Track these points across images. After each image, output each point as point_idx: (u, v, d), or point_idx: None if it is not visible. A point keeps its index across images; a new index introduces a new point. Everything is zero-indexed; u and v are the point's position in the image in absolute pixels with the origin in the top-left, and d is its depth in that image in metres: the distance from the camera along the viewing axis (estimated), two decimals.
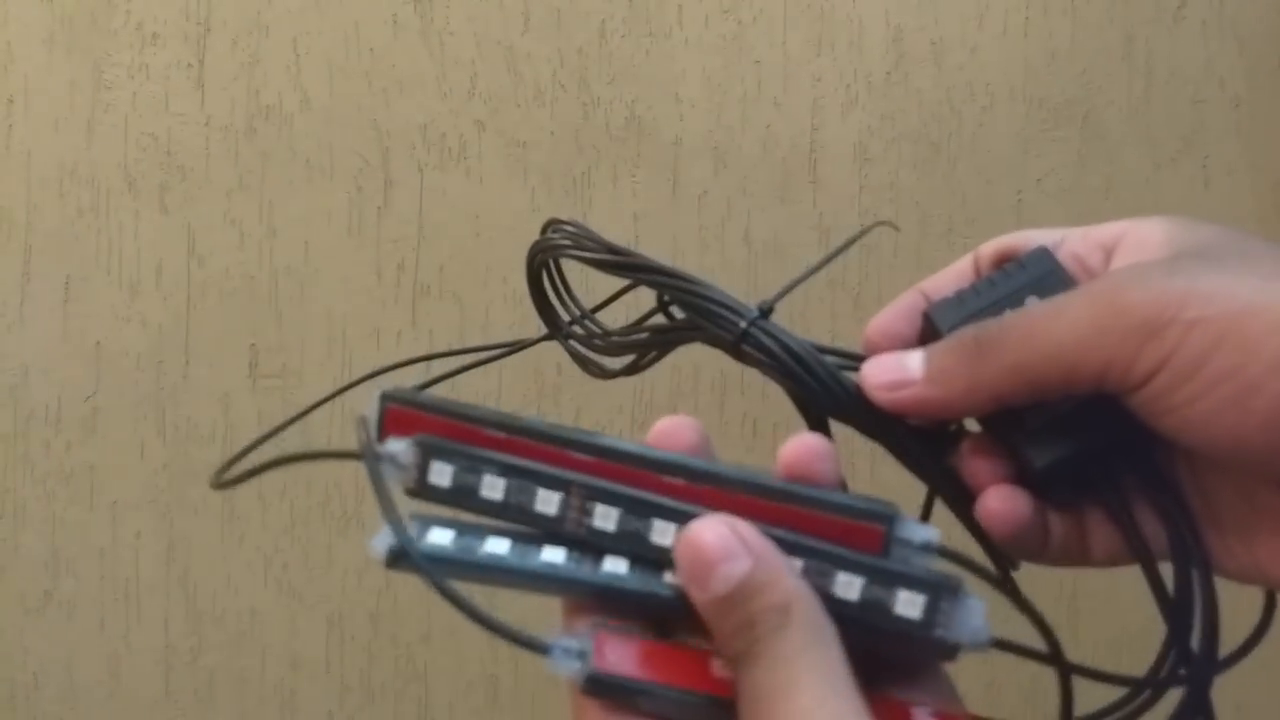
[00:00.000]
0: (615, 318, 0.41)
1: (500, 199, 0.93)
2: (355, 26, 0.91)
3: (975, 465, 0.34)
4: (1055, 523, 0.34)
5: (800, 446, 0.32)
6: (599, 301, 0.45)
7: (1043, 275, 0.34)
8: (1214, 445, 0.30)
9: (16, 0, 0.90)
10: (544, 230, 0.41)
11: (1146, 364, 0.30)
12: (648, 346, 0.40)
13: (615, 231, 0.93)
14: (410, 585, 0.95)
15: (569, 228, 0.40)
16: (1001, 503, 0.33)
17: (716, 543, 0.29)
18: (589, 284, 0.43)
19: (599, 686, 0.29)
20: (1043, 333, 0.31)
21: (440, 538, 0.31)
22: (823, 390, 0.34)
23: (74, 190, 0.91)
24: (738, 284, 0.96)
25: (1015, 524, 0.33)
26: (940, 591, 0.30)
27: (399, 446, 0.31)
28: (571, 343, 0.43)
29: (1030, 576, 0.35)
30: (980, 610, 0.30)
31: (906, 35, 0.95)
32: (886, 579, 0.30)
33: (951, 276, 0.37)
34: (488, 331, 0.93)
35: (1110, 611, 0.94)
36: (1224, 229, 0.33)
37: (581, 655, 0.29)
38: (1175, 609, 0.33)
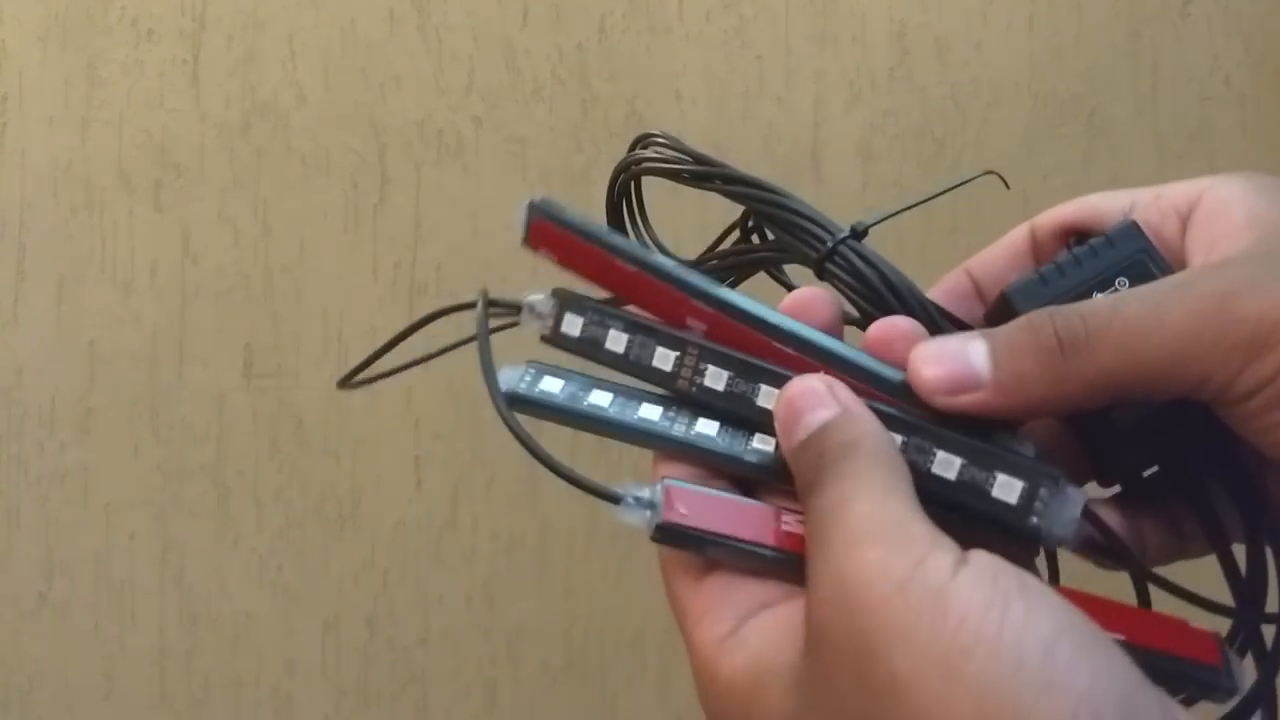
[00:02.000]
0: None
1: (498, 196, 0.92)
2: (351, 22, 0.91)
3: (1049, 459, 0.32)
4: (1149, 525, 0.33)
5: (890, 328, 0.31)
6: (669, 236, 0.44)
7: (1132, 254, 0.32)
8: None
9: None
10: (633, 146, 0.40)
11: (1248, 383, 0.28)
12: (726, 271, 0.39)
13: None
14: (407, 588, 0.95)
15: (660, 139, 0.39)
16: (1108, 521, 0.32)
17: (807, 394, 0.30)
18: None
19: (667, 536, 0.30)
20: (1140, 341, 0.28)
21: (551, 385, 0.34)
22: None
23: (68, 188, 0.90)
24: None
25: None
26: (1040, 479, 0.30)
27: (538, 297, 0.35)
28: None
29: None
30: (1079, 503, 0.30)
31: (910, 31, 0.94)
32: (986, 461, 0.30)
33: (1002, 252, 0.35)
34: None
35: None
36: None
37: (651, 506, 0.31)
38: (1248, 588, 0.32)
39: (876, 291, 0.32)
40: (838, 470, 0.28)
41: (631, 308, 0.34)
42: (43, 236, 0.90)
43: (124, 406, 0.91)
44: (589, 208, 1.00)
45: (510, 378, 0.34)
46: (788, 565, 0.29)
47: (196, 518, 0.92)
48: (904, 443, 0.30)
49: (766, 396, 0.32)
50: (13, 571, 0.91)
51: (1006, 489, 0.30)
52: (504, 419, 0.33)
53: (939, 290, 0.35)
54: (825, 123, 0.94)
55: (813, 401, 0.30)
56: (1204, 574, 0.34)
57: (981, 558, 0.25)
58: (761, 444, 0.32)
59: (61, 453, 0.91)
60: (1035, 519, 0.29)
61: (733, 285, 0.39)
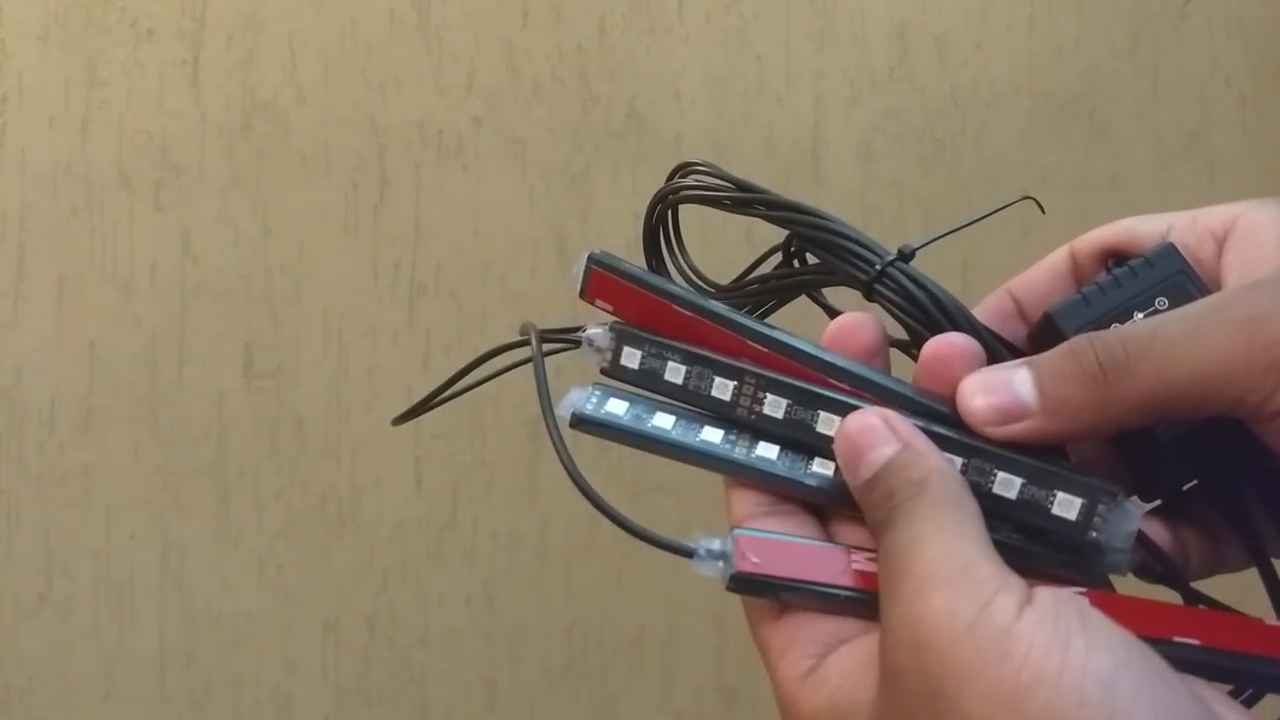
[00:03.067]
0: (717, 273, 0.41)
1: (498, 196, 0.93)
2: (351, 22, 0.91)
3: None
4: (1191, 539, 0.34)
5: (946, 345, 0.32)
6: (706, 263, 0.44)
7: (1170, 275, 0.33)
8: None
9: None
10: (672, 175, 0.40)
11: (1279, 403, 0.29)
12: (767, 295, 0.40)
13: (615, 230, 0.93)
14: (407, 588, 0.96)
15: (701, 167, 0.39)
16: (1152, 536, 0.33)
17: (866, 431, 0.31)
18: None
19: (742, 585, 0.31)
20: (1177, 364, 0.29)
21: (616, 407, 0.35)
22: None
23: (68, 188, 0.90)
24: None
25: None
26: (1099, 494, 0.31)
27: (597, 331, 0.36)
28: None
29: None
30: (1137, 516, 0.31)
31: (910, 31, 0.94)
32: (1046, 480, 0.31)
33: (1044, 274, 0.36)
34: (485, 331, 0.92)
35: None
36: None
37: (724, 557, 0.32)
38: None
39: (927, 312, 0.33)
40: (908, 511, 0.29)
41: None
42: (43, 237, 0.90)
43: (124, 407, 0.91)
44: (589, 206, 1.01)
45: (577, 398, 0.35)
46: (861, 604, 0.30)
47: (197, 518, 0.92)
48: (964, 464, 0.31)
49: (826, 423, 0.33)
50: (13, 571, 0.91)
51: (1066, 506, 0.31)
52: (569, 472, 0.34)
53: (982, 310, 0.36)
54: (825, 123, 0.94)
55: (873, 439, 0.31)
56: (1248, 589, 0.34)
57: (1045, 595, 0.27)
58: (821, 468, 0.33)
59: (62, 453, 0.91)
60: (1094, 534, 0.31)
61: (776, 308, 0.40)
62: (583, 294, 0.36)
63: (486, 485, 0.93)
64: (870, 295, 0.34)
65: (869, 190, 0.94)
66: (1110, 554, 0.31)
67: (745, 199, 0.37)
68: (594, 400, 0.35)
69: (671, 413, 0.35)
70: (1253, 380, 0.29)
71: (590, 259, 0.36)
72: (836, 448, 0.32)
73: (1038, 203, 0.43)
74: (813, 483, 0.33)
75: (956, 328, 0.33)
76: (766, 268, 0.40)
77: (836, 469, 0.32)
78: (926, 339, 0.33)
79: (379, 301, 0.92)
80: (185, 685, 0.92)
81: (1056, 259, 0.36)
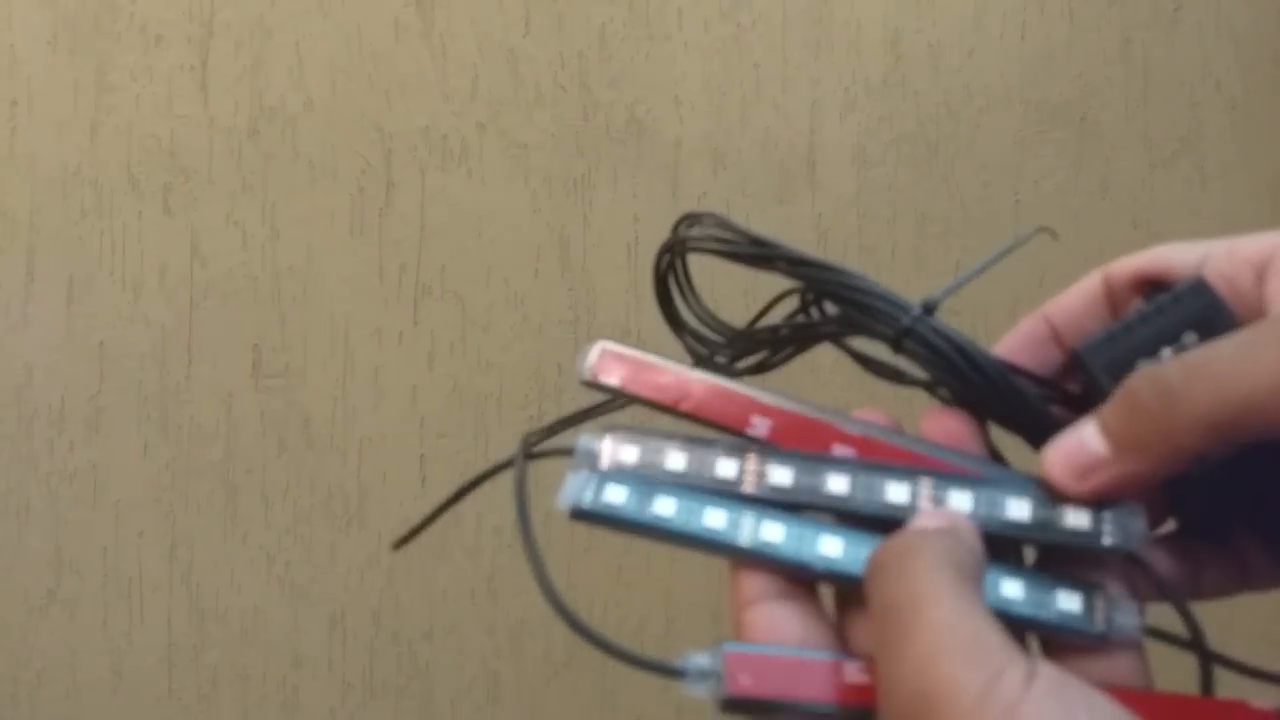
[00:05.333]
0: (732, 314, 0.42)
1: (501, 200, 0.93)
2: (357, 29, 0.92)
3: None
4: (1207, 560, 0.34)
5: (947, 420, 0.33)
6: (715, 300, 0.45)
7: (1200, 309, 0.32)
8: None
9: (20, 3, 0.90)
10: (676, 226, 0.39)
11: None
12: (783, 343, 0.39)
13: (615, 232, 0.93)
14: (412, 583, 0.96)
15: (708, 220, 0.39)
16: (1157, 563, 0.32)
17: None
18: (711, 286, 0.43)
19: (733, 706, 0.31)
20: (1234, 381, 0.29)
21: (615, 495, 0.34)
22: (990, 390, 0.33)
23: (77, 191, 0.91)
24: (737, 285, 0.96)
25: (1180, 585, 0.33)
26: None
27: (588, 439, 0.35)
28: (692, 340, 0.42)
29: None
30: (1140, 513, 0.31)
31: (904, 38, 0.95)
32: (1051, 497, 0.32)
33: (1078, 299, 0.36)
34: (489, 332, 0.93)
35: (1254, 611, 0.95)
36: None
37: (715, 678, 0.31)
38: None
39: (953, 363, 0.33)
40: (906, 566, 0.29)
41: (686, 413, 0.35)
42: (52, 239, 0.91)
43: (133, 406, 0.91)
44: (589, 210, 1.02)
45: (574, 489, 0.34)
46: (854, 718, 0.30)
47: (205, 515, 0.92)
48: (974, 498, 0.32)
49: (835, 483, 0.33)
50: (22, 568, 0.91)
51: (1077, 517, 0.31)
52: (547, 594, 0.33)
53: (1018, 335, 0.36)
54: (821, 128, 0.95)
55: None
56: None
57: (1048, 670, 0.27)
58: (829, 549, 0.32)
59: (71, 451, 0.91)
60: (1107, 539, 0.31)
61: (794, 356, 0.40)
62: (586, 378, 0.36)
63: (490, 482, 0.93)
64: (898, 349, 0.34)
65: (863, 194, 0.95)
66: (1121, 613, 0.31)
67: (763, 254, 0.36)
68: (590, 492, 0.34)
69: (673, 494, 0.34)
70: None
71: (599, 342, 0.36)
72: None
73: (1051, 233, 0.43)
74: (820, 566, 0.32)
75: (985, 378, 0.33)
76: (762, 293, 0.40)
77: (845, 547, 0.32)
78: (966, 389, 0.33)
79: (385, 303, 0.93)
80: (193, 680, 0.93)
81: (1091, 284, 0.36)
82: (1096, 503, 0.31)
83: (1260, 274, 0.33)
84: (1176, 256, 0.34)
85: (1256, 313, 0.33)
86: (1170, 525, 0.34)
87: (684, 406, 0.35)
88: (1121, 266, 0.35)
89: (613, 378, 0.36)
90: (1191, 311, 0.32)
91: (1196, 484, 0.32)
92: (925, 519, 0.31)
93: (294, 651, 0.93)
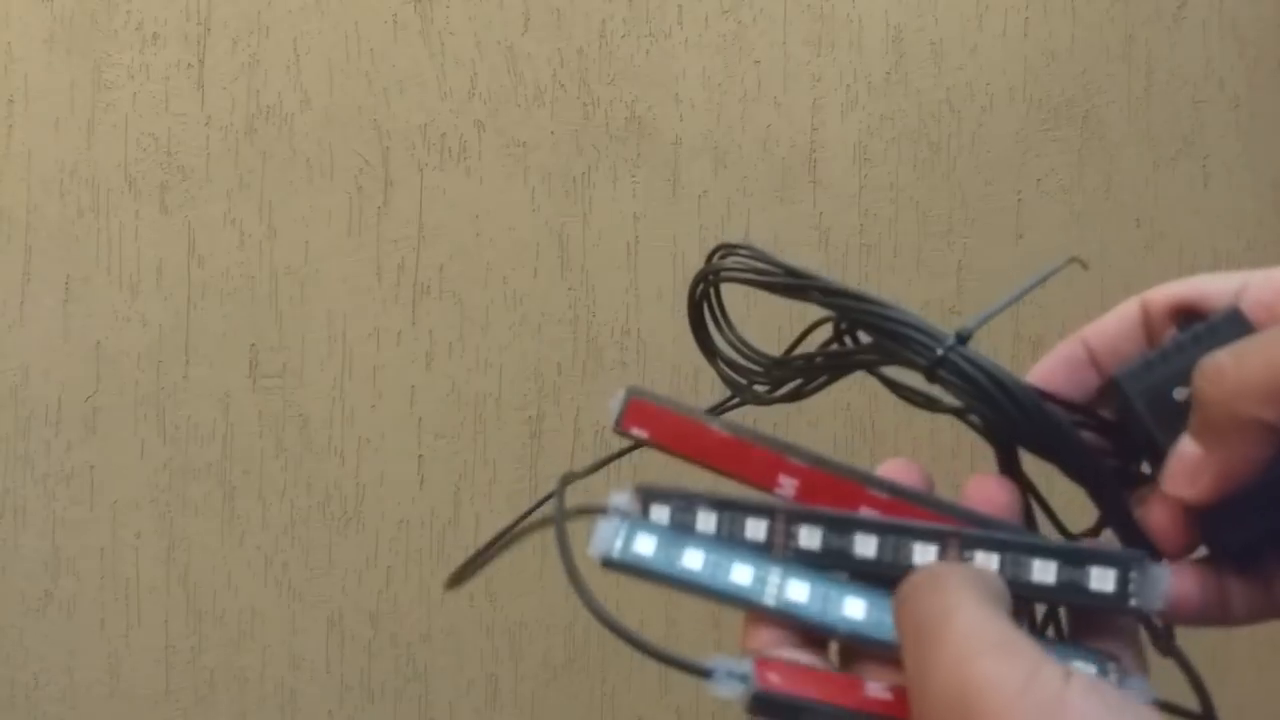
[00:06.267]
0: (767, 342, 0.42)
1: (500, 199, 0.93)
2: (355, 26, 0.92)
3: (1158, 523, 0.33)
4: (1235, 586, 0.34)
5: (990, 487, 0.34)
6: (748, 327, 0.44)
7: (1235, 339, 0.33)
8: None
9: (17, 1, 0.90)
10: (711, 256, 0.40)
11: None
12: (817, 372, 0.39)
13: (615, 232, 0.93)
14: (409, 584, 0.96)
15: (744, 251, 0.39)
16: (1185, 587, 0.33)
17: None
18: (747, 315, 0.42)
19: (761, 706, 0.31)
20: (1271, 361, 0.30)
21: (645, 546, 0.34)
22: (1024, 419, 0.33)
23: (74, 190, 0.90)
24: (737, 285, 0.96)
25: (1200, 610, 0.33)
26: (1129, 564, 0.32)
27: (621, 497, 0.35)
28: (726, 368, 0.42)
29: (1180, 634, 0.35)
30: (1166, 576, 0.32)
31: (906, 35, 0.95)
32: (1078, 559, 0.33)
33: (1115, 325, 0.37)
34: (488, 331, 0.93)
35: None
36: None
37: (744, 678, 0.31)
38: None
39: (986, 392, 0.34)
40: (934, 584, 0.30)
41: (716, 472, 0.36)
42: (49, 238, 0.90)
43: (130, 406, 0.91)
44: (589, 209, 1.02)
45: (605, 538, 0.34)
46: None
47: (202, 516, 0.92)
48: (1000, 560, 0.33)
49: (862, 544, 0.34)
50: (19, 569, 0.91)
51: (1102, 579, 0.32)
52: (588, 605, 0.33)
53: (1056, 358, 0.36)
54: (822, 126, 0.95)
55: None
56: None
57: (1083, 672, 0.27)
58: (853, 612, 0.33)
59: (68, 452, 0.91)
60: (1133, 600, 0.32)
61: (828, 384, 0.40)
62: (618, 425, 0.37)
63: (488, 484, 0.94)
64: (932, 379, 0.35)
65: (865, 192, 0.95)
66: (1132, 687, 0.32)
67: (798, 285, 0.37)
68: (620, 542, 0.34)
69: (701, 547, 0.34)
70: None
71: (629, 389, 0.37)
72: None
73: (1082, 263, 0.43)
74: (843, 629, 0.33)
75: (1019, 407, 0.33)
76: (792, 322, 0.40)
77: (868, 610, 0.33)
78: (1000, 417, 0.34)
79: (383, 302, 0.92)
80: (190, 681, 0.93)
81: (1128, 310, 0.37)
82: (1212, 505, 0.32)
83: None
84: (1214, 285, 0.35)
85: None
86: (1201, 551, 0.34)
87: (711, 463, 0.35)
88: (1158, 294, 0.36)
89: (643, 431, 0.36)
90: (1227, 340, 0.33)
91: (1227, 509, 0.32)
92: (953, 563, 0.32)
93: (291, 653, 0.93)
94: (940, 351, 0.34)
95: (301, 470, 0.92)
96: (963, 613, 0.28)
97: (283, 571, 0.93)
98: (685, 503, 0.35)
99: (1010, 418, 0.33)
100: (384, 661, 0.94)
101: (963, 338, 0.34)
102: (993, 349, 0.76)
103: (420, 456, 0.93)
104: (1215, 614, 0.34)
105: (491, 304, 0.93)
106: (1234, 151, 0.98)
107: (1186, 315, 0.35)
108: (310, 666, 0.93)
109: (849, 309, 0.36)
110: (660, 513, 0.35)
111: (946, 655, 0.27)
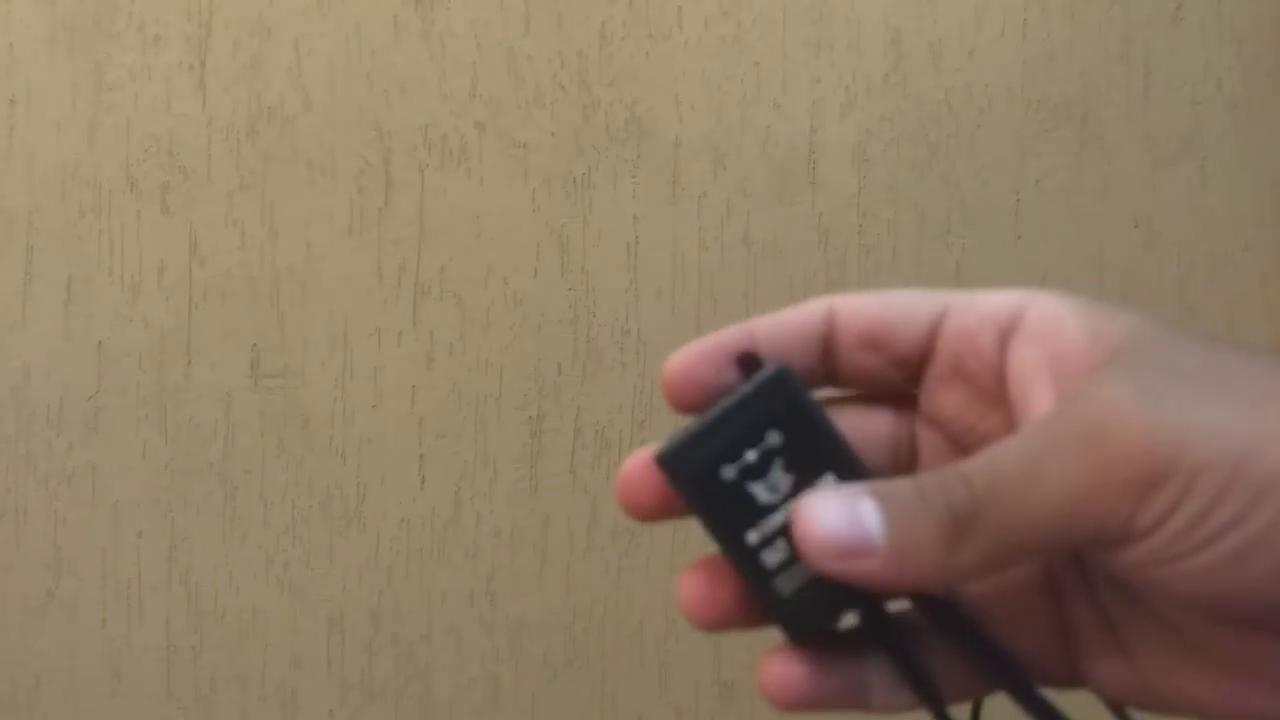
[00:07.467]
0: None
1: (501, 200, 0.93)
2: (356, 28, 0.92)
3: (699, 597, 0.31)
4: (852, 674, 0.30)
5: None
6: None
7: (785, 404, 0.29)
8: (1204, 598, 0.26)
9: (18, 2, 0.90)
10: None
11: (1147, 519, 0.26)
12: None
13: (615, 233, 0.93)
14: (411, 584, 0.96)
15: None
16: (776, 672, 0.30)
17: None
18: None
19: None
20: (1020, 503, 0.26)
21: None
22: None
23: (76, 191, 0.91)
24: (737, 285, 0.96)
25: (795, 695, 0.30)
26: None
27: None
28: None
29: None
30: None
31: (905, 37, 0.95)
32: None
33: (792, 326, 0.31)
34: (488, 332, 0.93)
35: None
36: (1142, 317, 0.28)
37: None
38: None
39: None
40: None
41: None
42: (51, 238, 0.90)
43: (131, 406, 0.91)
44: (589, 210, 1.02)
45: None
46: None
47: (203, 516, 0.92)
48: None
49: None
50: (21, 569, 0.91)
51: None
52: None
53: (709, 345, 0.31)
54: (821, 128, 0.95)
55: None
56: None
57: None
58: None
59: (69, 452, 0.91)
60: None
61: None
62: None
63: (489, 483, 0.94)
64: None
65: (864, 194, 0.95)
66: None
67: None
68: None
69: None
70: (1107, 504, 0.26)
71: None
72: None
73: None
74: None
75: None
76: None
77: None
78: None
79: (384, 303, 0.93)
80: (192, 681, 0.93)
81: (811, 314, 0.31)
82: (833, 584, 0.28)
83: (1003, 336, 0.30)
84: (908, 311, 0.31)
85: (996, 379, 0.30)
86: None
87: None
88: (849, 312, 0.31)
89: None
90: (775, 407, 0.29)
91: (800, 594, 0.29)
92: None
93: (293, 652, 0.93)
94: None
95: (303, 470, 0.92)
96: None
97: (284, 571, 0.93)
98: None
99: None
100: (385, 661, 0.94)
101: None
102: None
103: (421, 456, 0.93)
104: (841, 699, 0.30)
105: (492, 304, 0.93)
106: (1232, 152, 0.98)
107: (746, 359, 0.31)
108: (311, 666, 0.93)
109: None
110: None
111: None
